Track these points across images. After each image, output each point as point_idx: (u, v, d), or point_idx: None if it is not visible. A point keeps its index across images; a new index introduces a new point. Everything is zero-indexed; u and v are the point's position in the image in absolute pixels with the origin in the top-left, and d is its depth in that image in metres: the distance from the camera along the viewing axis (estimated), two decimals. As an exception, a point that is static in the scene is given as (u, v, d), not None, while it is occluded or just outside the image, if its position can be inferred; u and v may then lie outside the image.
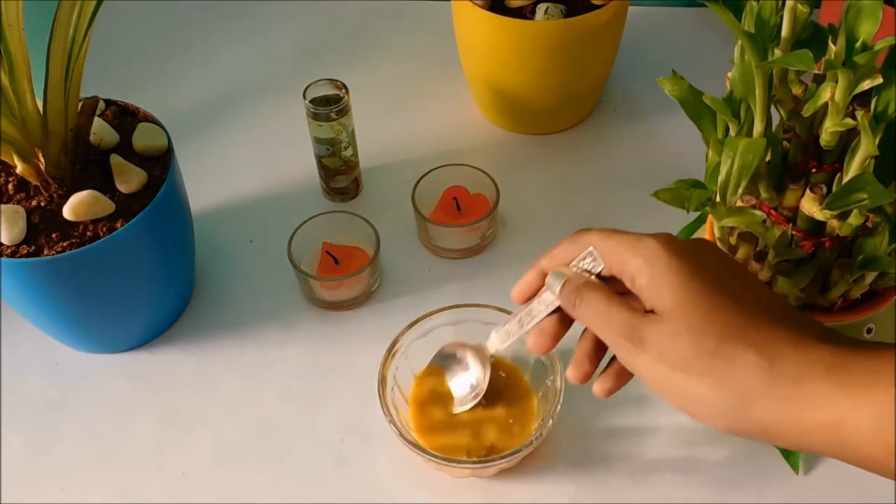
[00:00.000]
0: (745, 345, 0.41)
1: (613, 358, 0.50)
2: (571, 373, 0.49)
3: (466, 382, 0.59)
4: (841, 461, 0.41)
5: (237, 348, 0.67)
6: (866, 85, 0.45)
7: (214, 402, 0.64)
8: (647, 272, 0.44)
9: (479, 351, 0.58)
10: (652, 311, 0.44)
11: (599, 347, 0.49)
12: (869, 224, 0.50)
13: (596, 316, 0.46)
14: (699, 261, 0.44)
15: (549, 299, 0.50)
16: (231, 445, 0.62)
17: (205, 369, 0.66)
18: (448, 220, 0.72)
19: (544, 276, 0.50)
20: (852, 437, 0.39)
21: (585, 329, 0.50)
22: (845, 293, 0.55)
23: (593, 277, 0.48)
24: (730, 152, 0.48)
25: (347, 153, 0.73)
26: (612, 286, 0.47)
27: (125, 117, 0.65)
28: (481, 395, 0.59)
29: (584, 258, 0.48)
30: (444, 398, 0.60)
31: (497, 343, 0.56)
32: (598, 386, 0.50)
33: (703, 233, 0.62)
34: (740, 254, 0.58)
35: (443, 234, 0.71)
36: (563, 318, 0.50)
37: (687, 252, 0.44)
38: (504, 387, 0.61)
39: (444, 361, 0.60)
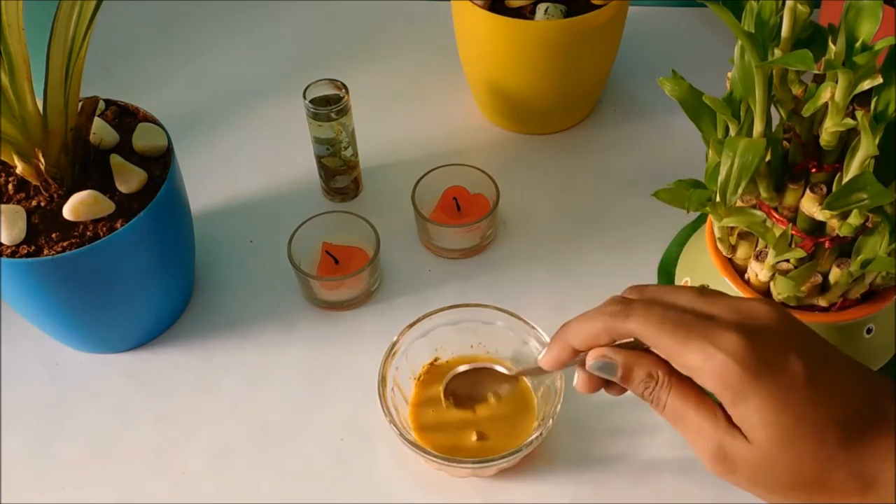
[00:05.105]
0: (846, 474, 0.40)
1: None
2: (581, 385, 0.48)
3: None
4: None
5: (237, 348, 0.67)
6: (866, 85, 0.45)
7: (214, 402, 0.64)
8: (729, 397, 0.41)
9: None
10: (737, 426, 0.42)
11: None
12: (869, 224, 0.50)
13: (684, 426, 0.44)
14: (784, 372, 0.41)
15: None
16: (231, 445, 0.62)
17: (205, 369, 0.66)
18: (448, 220, 0.72)
19: (573, 351, 0.47)
20: None
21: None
22: (845, 293, 0.55)
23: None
24: (730, 152, 0.48)
25: (347, 153, 0.73)
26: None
27: (125, 117, 0.65)
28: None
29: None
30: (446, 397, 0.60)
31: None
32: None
33: (703, 233, 0.62)
34: (740, 254, 0.58)
35: (443, 234, 0.71)
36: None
37: (769, 367, 0.41)
38: (504, 387, 0.61)
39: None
